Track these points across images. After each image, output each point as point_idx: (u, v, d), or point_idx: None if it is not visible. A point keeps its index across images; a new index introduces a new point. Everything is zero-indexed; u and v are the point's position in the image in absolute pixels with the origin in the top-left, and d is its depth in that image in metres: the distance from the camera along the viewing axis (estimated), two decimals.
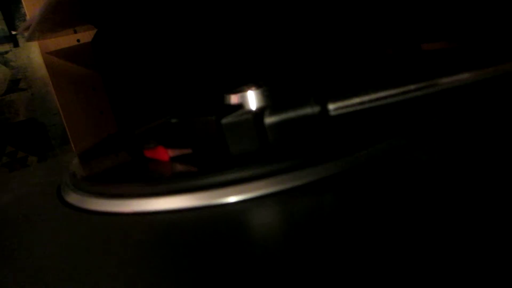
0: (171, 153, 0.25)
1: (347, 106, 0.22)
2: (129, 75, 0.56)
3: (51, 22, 0.56)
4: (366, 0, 0.44)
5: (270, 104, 0.23)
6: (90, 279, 0.17)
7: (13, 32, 0.77)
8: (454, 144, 0.21)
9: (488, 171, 0.18)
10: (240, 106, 0.24)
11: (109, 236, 0.21)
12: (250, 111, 0.22)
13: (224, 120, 0.22)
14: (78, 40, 0.73)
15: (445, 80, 0.22)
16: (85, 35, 0.73)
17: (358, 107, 0.22)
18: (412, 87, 0.22)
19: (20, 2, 0.72)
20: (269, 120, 0.22)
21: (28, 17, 0.69)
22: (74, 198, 0.27)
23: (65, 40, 0.72)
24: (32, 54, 0.85)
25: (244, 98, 0.26)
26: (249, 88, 0.26)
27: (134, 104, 0.61)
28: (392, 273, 0.13)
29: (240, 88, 0.27)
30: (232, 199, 0.21)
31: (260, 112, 0.22)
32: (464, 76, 0.21)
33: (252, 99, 0.26)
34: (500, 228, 0.14)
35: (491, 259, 0.12)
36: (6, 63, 0.83)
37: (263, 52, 0.29)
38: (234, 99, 0.26)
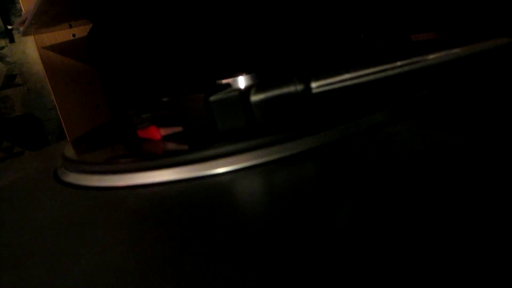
0: (163, 132, 0.26)
1: (328, 84, 0.23)
2: (124, 68, 0.57)
3: (46, 16, 0.57)
4: None
5: (256, 82, 0.24)
6: (86, 247, 0.18)
7: (9, 27, 0.78)
8: (434, 120, 0.22)
9: (470, 148, 0.19)
10: (228, 85, 0.25)
11: (103, 207, 0.22)
12: (237, 89, 0.23)
13: (212, 98, 0.23)
14: (73, 35, 0.74)
15: (426, 57, 0.23)
16: (81, 30, 0.74)
17: (340, 85, 0.23)
18: (393, 64, 0.23)
19: None
20: (254, 97, 0.23)
21: (23, 12, 0.70)
22: (70, 177, 0.28)
23: (61, 34, 0.73)
24: (28, 50, 0.85)
25: (232, 81, 0.27)
26: (238, 73, 0.27)
27: (129, 96, 0.62)
28: (369, 240, 0.14)
29: (229, 73, 0.28)
30: (220, 170, 0.22)
31: (246, 90, 0.23)
32: (444, 53, 0.23)
33: (241, 81, 0.27)
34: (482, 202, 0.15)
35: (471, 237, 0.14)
36: (1, 59, 0.83)
37: (250, 38, 0.30)
38: (224, 81, 0.27)
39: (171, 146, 0.26)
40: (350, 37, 0.45)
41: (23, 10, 0.70)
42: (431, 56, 0.23)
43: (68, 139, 0.77)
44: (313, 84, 0.23)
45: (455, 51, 0.23)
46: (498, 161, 0.16)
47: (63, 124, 0.79)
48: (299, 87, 0.23)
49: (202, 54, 0.33)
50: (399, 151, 0.20)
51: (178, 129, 0.26)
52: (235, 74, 0.27)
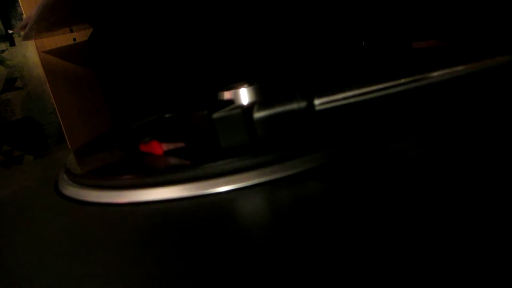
0: (165, 147, 0.26)
1: (332, 101, 0.23)
2: (125, 73, 0.57)
3: (47, 21, 0.57)
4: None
5: (259, 100, 0.24)
6: (85, 265, 0.18)
7: (10, 31, 0.78)
8: (439, 138, 0.22)
9: (478, 165, 0.19)
10: (231, 102, 0.25)
11: (105, 224, 0.22)
12: (240, 106, 0.23)
13: (215, 115, 0.23)
14: (74, 39, 0.74)
15: (430, 74, 0.23)
16: (82, 34, 0.73)
17: (343, 102, 0.23)
18: (396, 82, 0.23)
19: (17, 1, 0.73)
20: (257, 115, 0.23)
21: (24, 16, 0.70)
22: (71, 191, 0.28)
23: (62, 39, 0.73)
24: (28, 53, 0.85)
25: (235, 94, 0.27)
26: (240, 85, 0.27)
27: (130, 101, 0.62)
28: (375, 259, 0.14)
29: (232, 85, 0.28)
30: (223, 188, 0.22)
31: (249, 108, 0.23)
32: (448, 71, 0.23)
33: (242, 95, 0.27)
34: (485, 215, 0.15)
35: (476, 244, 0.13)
36: (2, 62, 0.83)
37: (253, 50, 0.30)
38: (225, 95, 0.27)
39: (173, 161, 0.26)
40: (352, 45, 0.45)
41: (23, 13, 0.70)
42: (435, 74, 0.23)
43: (68, 143, 0.77)
44: (316, 101, 0.23)
45: (459, 68, 0.23)
46: (502, 175, 0.16)
47: (63, 128, 0.79)
48: (302, 104, 0.23)
49: (204, 63, 0.33)
50: (403, 169, 0.20)
51: (180, 144, 0.25)
52: (238, 87, 0.27)
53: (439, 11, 0.49)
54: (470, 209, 0.15)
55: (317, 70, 0.33)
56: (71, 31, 0.72)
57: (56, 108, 0.75)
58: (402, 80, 0.23)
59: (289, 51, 0.31)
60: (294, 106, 0.23)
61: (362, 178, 0.20)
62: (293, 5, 0.36)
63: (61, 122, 0.76)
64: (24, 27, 0.60)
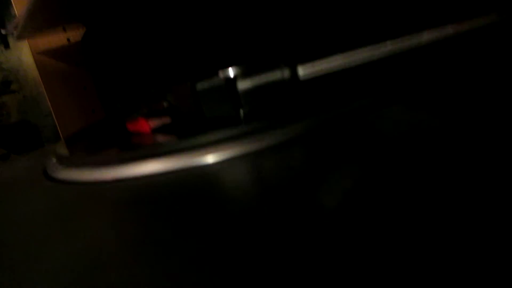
0: (152, 123, 0.26)
1: (315, 70, 0.23)
2: (119, 71, 0.57)
3: (39, 19, 0.57)
4: None
5: (243, 70, 0.24)
6: (72, 243, 0.18)
7: (3, 31, 0.78)
8: (422, 104, 0.22)
9: (460, 133, 0.19)
10: (215, 73, 0.25)
11: (91, 202, 0.22)
12: (224, 77, 0.23)
13: (199, 86, 0.22)
14: (68, 39, 0.74)
15: (414, 36, 0.23)
16: (75, 34, 0.74)
17: (327, 70, 0.23)
18: (382, 45, 0.23)
19: (10, 3, 0.73)
20: (241, 85, 0.23)
21: (17, 17, 0.70)
22: (59, 173, 0.28)
23: (55, 39, 0.73)
24: (23, 56, 0.85)
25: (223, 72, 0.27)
26: (224, 58, 0.27)
27: (124, 101, 0.62)
28: (358, 230, 0.14)
29: (216, 59, 0.28)
30: (209, 160, 0.22)
31: (233, 78, 0.23)
32: (427, 35, 0.23)
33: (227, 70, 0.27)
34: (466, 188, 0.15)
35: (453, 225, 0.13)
36: None
37: (237, 21, 0.30)
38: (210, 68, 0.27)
39: (159, 137, 0.26)
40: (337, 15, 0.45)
41: (17, 15, 0.70)
42: (420, 35, 0.23)
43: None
44: (300, 70, 0.23)
45: (444, 30, 0.23)
46: (484, 145, 0.16)
47: (59, 129, 0.79)
48: (286, 74, 0.23)
49: (189, 45, 0.33)
50: (386, 136, 0.19)
51: (166, 119, 0.25)
52: (222, 62, 0.27)
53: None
54: (456, 182, 0.15)
55: (301, 40, 0.32)
56: (65, 30, 0.72)
57: (51, 109, 0.74)
58: (388, 42, 0.23)
59: (274, 23, 0.31)
60: (278, 75, 0.23)
61: (347, 145, 0.20)
62: None
63: (56, 123, 0.76)
64: (16, 26, 0.60)
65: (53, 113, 0.76)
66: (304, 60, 0.23)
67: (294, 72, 0.23)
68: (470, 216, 0.11)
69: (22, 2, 0.70)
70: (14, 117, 0.87)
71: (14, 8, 0.70)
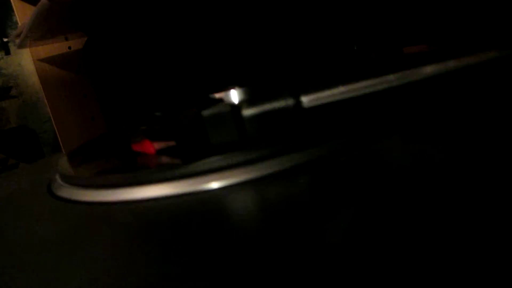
0: (157, 145, 0.26)
1: (320, 98, 0.23)
2: (120, 80, 0.57)
3: (42, 29, 0.57)
4: (347, 2, 0.46)
5: (248, 97, 0.25)
6: (77, 264, 0.18)
7: (5, 39, 0.78)
8: (424, 135, 0.22)
9: (459, 162, 0.19)
10: (221, 100, 0.25)
11: (96, 223, 0.23)
12: (229, 104, 0.23)
13: (205, 112, 0.23)
14: (69, 47, 0.74)
15: (417, 71, 0.24)
16: (76, 42, 0.74)
17: (331, 99, 0.23)
18: (384, 78, 0.24)
19: (12, 10, 0.74)
20: (246, 112, 0.23)
21: (20, 25, 0.70)
22: (64, 191, 0.28)
23: (57, 47, 0.73)
24: (24, 62, 0.85)
25: (225, 93, 0.27)
26: (230, 85, 0.28)
27: (124, 109, 0.62)
28: (363, 257, 0.14)
29: (222, 85, 0.28)
30: (214, 185, 0.22)
31: (238, 105, 0.23)
32: (434, 66, 0.23)
33: (232, 95, 0.27)
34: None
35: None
36: None
37: (243, 49, 0.30)
38: (215, 94, 0.28)
39: (164, 160, 0.26)
40: (343, 48, 0.46)
41: (19, 22, 0.70)
42: (423, 70, 0.24)
43: (64, 151, 0.77)
44: (304, 99, 0.24)
45: (445, 64, 0.24)
46: (486, 174, 0.16)
47: (59, 136, 0.79)
48: (290, 102, 0.23)
49: (195, 67, 0.33)
50: (389, 166, 0.20)
51: (171, 143, 0.26)
52: (227, 88, 0.27)
53: (430, 16, 0.50)
54: (458, 208, 0.15)
55: (306, 70, 0.33)
56: (66, 39, 0.73)
57: (51, 116, 0.75)
58: (391, 76, 0.23)
59: (279, 54, 0.32)
60: (282, 103, 0.23)
61: (350, 174, 0.20)
62: (286, 7, 0.37)
63: (56, 130, 0.76)
64: (19, 35, 0.60)
65: (52, 119, 0.77)
66: (309, 89, 0.23)
67: (298, 100, 0.23)
68: (470, 251, 0.12)
69: (25, 9, 0.70)
70: (14, 122, 0.87)
71: (16, 15, 0.70)
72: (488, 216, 0.13)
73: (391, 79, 0.24)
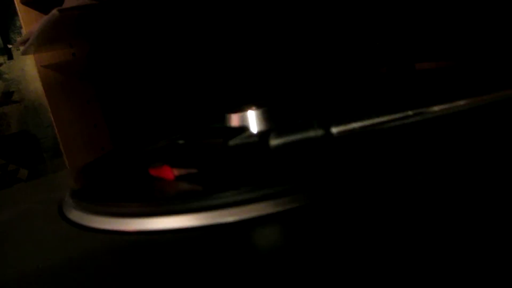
0: (177, 172, 0.25)
1: (350, 130, 0.22)
2: (124, 88, 0.57)
3: (48, 37, 0.56)
4: (360, 20, 0.46)
5: (273, 126, 0.24)
6: None
7: (9, 46, 0.77)
8: (452, 170, 0.22)
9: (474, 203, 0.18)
10: (244, 128, 0.25)
11: (110, 252, 0.22)
12: (256, 134, 0.23)
13: (231, 142, 0.22)
14: (73, 54, 0.73)
15: (440, 107, 0.23)
16: (81, 49, 0.73)
17: (360, 129, 0.23)
18: (410, 112, 0.23)
19: (16, 15, 0.73)
20: (274, 142, 0.22)
21: (24, 30, 0.69)
22: (76, 216, 0.27)
23: (61, 53, 0.72)
24: (26, 67, 0.84)
25: (246, 118, 0.26)
26: (250, 107, 0.27)
27: (128, 117, 0.61)
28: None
29: (242, 107, 0.28)
30: (234, 219, 0.21)
31: (265, 135, 0.23)
32: (461, 103, 0.22)
33: (254, 119, 0.26)
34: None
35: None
36: (0, 75, 0.82)
37: (266, 73, 0.30)
38: (236, 118, 0.27)
39: (184, 187, 0.25)
40: (357, 64, 0.45)
41: (23, 27, 0.69)
42: (442, 107, 0.23)
43: (65, 157, 0.76)
44: (334, 129, 0.23)
45: (466, 101, 0.23)
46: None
47: (60, 142, 0.78)
48: (319, 132, 0.22)
49: (212, 82, 0.33)
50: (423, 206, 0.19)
51: (192, 170, 0.25)
52: (246, 108, 0.27)
53: (442, 33, 0.49)
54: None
55: (328, 95, 0.33)
56: (71, 46, 0.72)
57: (53, 122, 0.74)
58: (410, 112, 0.23)
59: (301, 75, 0.31)
60: (311, 133, 0.22)
61: (377, 212, 0.19)
62: (310, 30, 0.36)
63: (58, 136, 0.75)
64: (24, 42, 0.59)
65: (55, 125, 0.75)
66: (338, 119, 0.23)
67: (327, 130, 0.22)
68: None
69: (29, 14, 0.69)
70: (14, 127, 0.86)
71: (21, 20, 0.69)
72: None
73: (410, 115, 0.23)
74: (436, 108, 0.23)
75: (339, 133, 0.22)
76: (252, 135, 0.22)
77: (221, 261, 0.18)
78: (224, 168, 0.23)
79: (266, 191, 0.21)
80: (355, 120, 0.22)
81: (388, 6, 0.47)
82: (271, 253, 0.18)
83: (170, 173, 0.25)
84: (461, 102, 0.23)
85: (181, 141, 0.24)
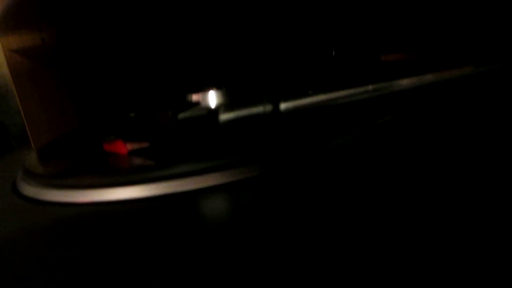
0: (130, 146, 0.26)
1: (297, 105, 0.23)
2: (93, 74, 0.56)
3: (14, 20, 0.55)
4: (326, 8, 0.46)
5: (225, 102, 0.24)
6: (39, 266, 0.18)
7: None
8: (396, 145, 0.23)
9: (427, 174, 0.19)
10: (197, 103, 0.25)
11: (62, 224, 0.22)
12: (206, 108, 0.23)
13: (181, 115, 0.22)
14: (42, 39, 0.72)
15: (395, 83, 0.24)
16: (50, 34, 0.72)
17: (309, 106, 0.23)
18: (362, 89, 0.24)
19: None
20: (223, 117, 0.23)
21: None
22: (29, 190, 0.27)
23: (29, 38, 0.71)
24: None
25: (202, 97, 0.27)
26: (207, 89, 0.27)
27: (97, 104, 0.61)
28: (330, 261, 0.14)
29: (199, 88, 0.28)
30: (184, 189, 0.22)
31: (215, 109, 0.23)
32: (411, 80, 0.23)
33: (209, 98, 0.27)
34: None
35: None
36: None
37: (221, 54, 0.30)
38: (192, 97, 0.27)
39: (137, 161, 0.25)
40: (321, 54, 0.46)
41: None
42: (400, 82, 0.24)
43: (33, 144, 0.75)
44: (282, 105, 0.23)
45: (423, 77, 0.24)
46: (454, 188, 0.17)
47: (28, 129, 0.77)
48: (268, 108, 0.23)
49: (172, 67, 0.33)
50: (361, 175, 0.20)
51: (145, 144, 0.25)
52: (204, 89, 0.27)
53: (408, 24, 0.50)
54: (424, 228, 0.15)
55: (284, 76, 0.33)
56: (40, 30, 0.70)
57: (21, 108, 0.72)
58: (370, 87, 0.23)
59: (257, 56, 0.32)
60: (259, 109, 0.23)
61: (319, 180, 0.20)
62: (264, 13, 0.37)
63: (25, 123, 0.74)
64: None
65: (22, 112, 0.74)
66: (287, 97, 0.23)
67: (276, 106, 0.23)
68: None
69: None
70: None
71: None
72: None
73: (370, 89, 0.24)
74: (399, 83, 0.24)
75: (288, 109, 0.23)
76: (202, 109, 0.23)
77: (171, 231, 0.18)
78: (174, 141, 0.23)
79: (212, 163, 0.22)
80: (303, 97, 0.23)
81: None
82: (220, 223, 0.19)
83: (123, 147, 0.26)
84: (421, 77, 0.24)
85: (132, 114, 0.24)
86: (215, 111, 0.23)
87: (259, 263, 0.14)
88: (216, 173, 0.22)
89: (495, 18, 0.37)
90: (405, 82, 0.23)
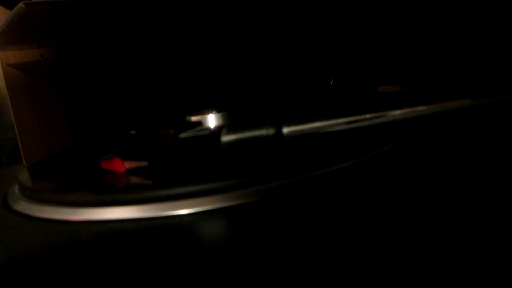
0: (128, 165, 0.25)
1: (300, 130, 0.23)
2: (91, 92, 0.56)
3: (15, 33, 0.55)
4: (326, 40, 0.47)
5: (227, 123, 0.24)
6: (27, 283, 0.17)
7: None
8: (398, 173, 0.22)
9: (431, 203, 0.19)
10: (199, 123, 0.25)
11: (53, 242, 0.21)
12: (208, 128, 0.23)
13: (182, 135, 0.22)
14: (41, 55, 0.72)
15: (393, 112, 0.24)
16: (50, 51, 0.72)
17: (311, 131, 0.23)
18: (362, 116, 0.24)
19: None
20: (225, 138, 0.23)
21: None
22: (21, 206, 0.26)
23: (28, 53, 0.71)
24: None
25: (203, 119, 0.27)
26: (209, 111, 0.27)
27: (93, 122, 0.61)
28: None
29: (201, 111, 0.28)
30: (182, 212, 0.21)
31: (217, 130, 0.23)
32: (410, 110, 0.23)
33: (210, 120, 0.26)
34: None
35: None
36: None
37: (226, 78, 0.30)
38: (193, 119, 0.27)
39: (134, 180, 0.25)
40: (321, 83, 0.46)
41: None
42: (399, 111, 0.24)
43: (24, 161, 0.74)
44: (285, 129, 0.23)
45: (421, 108, 0.24)
46: (458, 212, 0.16)
47: (20, 145, 0.76)
48: (271, 131, 0.23)
49: (174, 88, 0.33)
50: (364, 200, 0.20)
51: (143, 163, 0.25)
52: (206, 111, 0.27)
53: (406, 57, 0.51)
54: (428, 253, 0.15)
55: (286, 101, 0.33)
56: (39, 46, 0.70)
57: (14, 124, 0.72)
58: (368, 115, 0.23)
59: (259, 82, 0.32)
60: (262, 132, 0.23)
61: (323, 208, 0.20)
62: (268, 40, 0.37)
63: (18, 139, 0.73)
64: None
65: (16, 128, 0.73)
66: (289, 119, 0.23)
67: (279, 130, 0.23)
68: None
69: None
70: None
71: None
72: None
73: (368, 117, 0.24)
74: (396, 112, 0.24)
75: (290, 133, 0.23)
76: (204, 129, 0.22)
77: (165, 254, 0.18)
78: (174, 161, 0.23)
79: (213, 185, 0.21)
80: (306, 122, 0.23)
81: (355, 29, 0.49)
82: (217, 247, 0.18)
83: (121, 165, 0.25)
84: (418, 108, 0.24)
85: (133, 132, 0.24)
86: (218, 132, 0.22)
87: None
88: (215, 195, 0.21)
89: (494, 52, 0.38)
90: (398, 113, 0.23)
